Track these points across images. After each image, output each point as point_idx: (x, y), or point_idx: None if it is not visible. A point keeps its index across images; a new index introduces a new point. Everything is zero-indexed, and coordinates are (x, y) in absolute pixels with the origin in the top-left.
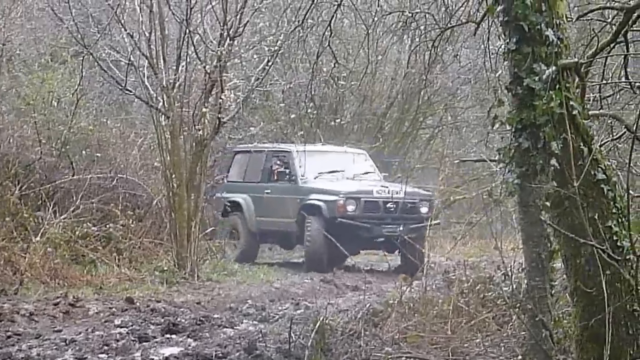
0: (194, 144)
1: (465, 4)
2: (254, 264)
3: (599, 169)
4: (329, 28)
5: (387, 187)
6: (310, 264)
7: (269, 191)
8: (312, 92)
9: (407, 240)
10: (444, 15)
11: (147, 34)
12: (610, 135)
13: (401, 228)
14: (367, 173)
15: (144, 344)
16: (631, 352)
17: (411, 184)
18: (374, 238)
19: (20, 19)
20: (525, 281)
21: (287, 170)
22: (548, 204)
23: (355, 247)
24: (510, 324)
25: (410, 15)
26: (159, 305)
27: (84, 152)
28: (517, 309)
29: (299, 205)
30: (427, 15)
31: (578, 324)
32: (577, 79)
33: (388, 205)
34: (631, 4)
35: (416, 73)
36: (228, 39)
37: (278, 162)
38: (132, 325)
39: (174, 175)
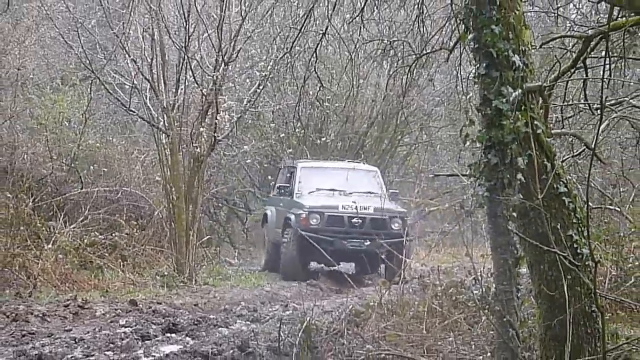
0: (191, 160)
1: (439, 32)
2: (248, 270)
3: (561, 182)
4: (314, 55)
5: (355, 202)
6: (284, 273)
7: (281, 204)
8: (299, 113)
9: (388, 252)
10: (419, 43)
11: (149, 60)
12: (571, 152)
13: (367, 243)
14: (369, 193)
15: (146, 342)
16: (589, 349)
17: (393, 201)
18: (337, 251)
19: (34, 46)
20: (494, 285)
21: (288, 185)
22: (514, 214)
23: (323, 258)
24: (480, 324)
25: (388, 43)
26: (160, 307)
27: (91, 167)
28: (486, 311)
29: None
30: (404, 43)
31: (542, 324)
32: (540, 101)
33: (353, 220)
34: (589, 33)
35: (394, 95)
36: (223, 64)
37: (287, 177)
38: (135, 325)
39: (173, 189)
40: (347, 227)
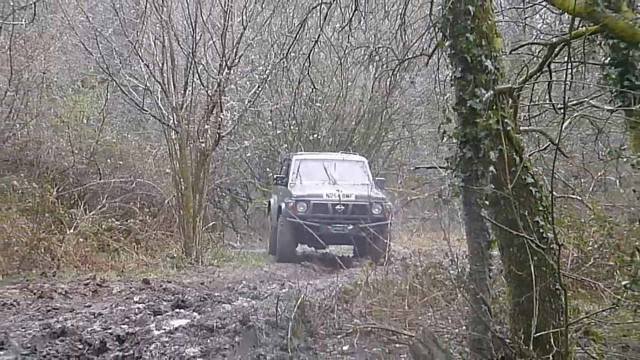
0: (198, 154)
1: (419, 40)
2: (249, 252)
3: (528, 174)
4: (308, 60)
5: (339, 190)
6: (280, 256)
7: (280, 193)
8: (294, 112)
9: (373, 235)
10: (401, 49)
11: (160, 64)
12: (538, 147)
13: (350, 227)
14: (357, 181)
15: (158, 317)
16: (554, 323)
17: (380, 189)
18: (323, 236)
19: (57, 52)
20: (468, 266)
21: (284, 176)
22: (487, 202)
23: (313, 241)
24: (456, 300)
25: (374, 49)
26: (170, 286)
27: (108, 160)
28: (461, 289)
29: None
30: (387, 50)
31: (511, 300)
32: (510, 101)
33: (337, 207)
34: (553, 40)
35: (379, 96)
36: (226, 68)
37: (284, 169)
38: (148, 302)
39: (182, 179)
40: (331, 213)
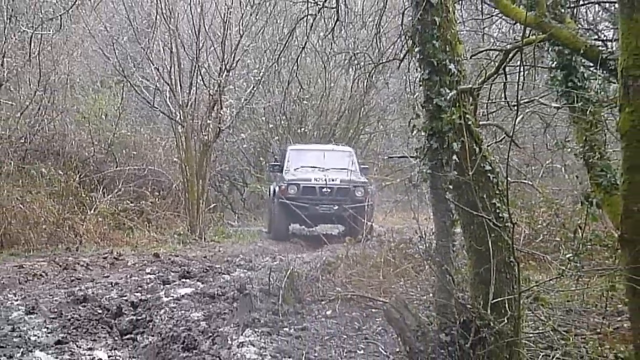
0: (201, 145)
1: (392, 46)
2: (245, 230)
3: (487, 162)
4: (296, 63)
5: (325, 175)
6: (274, 235)
7: (277, 180)
8: (285, 109)
9: (353, 215)
10: (377, 54)
11: (169, 68)
12: (495, 139)
13: (335, 208)
14: (343, 168)
15: (167, 286)
16: (508, 291)
17: (364, 175)
18: (311, 215)
19: (80, 57)
20: (435, 241)
21: (280, 164)
22: (451, 187)
23: (302, 221)
24: (424, 271)
25: (353, 54)
26: (177, 259)
27: (124, 150)
28: (429, 261)
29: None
30: (365, 55)
31: (472, 271)
32: (471, 99)
33: (323, 190)
34: (508, 47)
35: (358, 95)
36: (225, 71)
37: (280, 158)
38: (158, 273)
39: (187, 167)
40: (318, 195)
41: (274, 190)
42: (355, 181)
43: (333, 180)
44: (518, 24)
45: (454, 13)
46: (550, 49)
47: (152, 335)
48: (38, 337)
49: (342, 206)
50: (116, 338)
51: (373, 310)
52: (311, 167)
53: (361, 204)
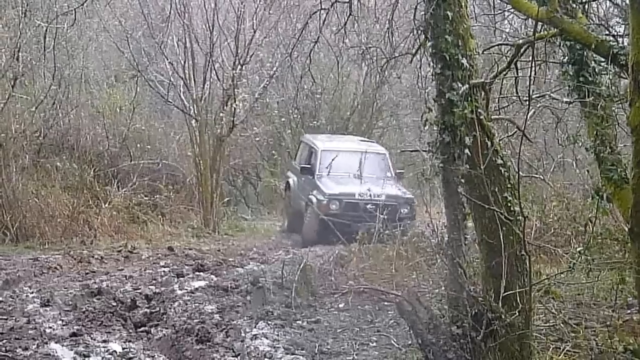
0: (215, 139)
1: (405, 41)
2: (259, 224)
3: (498, 156)
4: (309, 58)
5: (369, 190)
6: (305, 242)
7: (303, 179)
8: (298, 103)
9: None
10: (389, 49)
11: (182, 62)
12: (506, 133)
13: (379, 226)
14: (381, 177)
15: (181, 279)
16: (519, 284)
17: (399, 187)
18: (352, 233)
19: (94, 52)
20: (447, 235)
21: (309, 165)
22: (463, 180)
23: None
24: (436, 265)
25: (366, 49)
26: (191, 252)
27: (138, 144)
28: (441, 255)
29: (307, 195)
30: (377, 49)
31: (483, 264)
32: (483, 94)
33: (368, 206)
34: (520, 42)
35: (370, 90)
36: (239, 65)
37: (307, 155)
38: (172, 266)
39: (201, 161)
40: (361, 212)
41: (309, 199)
42: (402, 197)
43: (379, 195)
44: (530, 19)
45: (466, 8)
46: (561, 44)
47: (166, 328)
48: (53, 329)
49: (386, 225)
50: (130, 330)
51: (385, 303)
52: (344, 171)
53: (405, 221)
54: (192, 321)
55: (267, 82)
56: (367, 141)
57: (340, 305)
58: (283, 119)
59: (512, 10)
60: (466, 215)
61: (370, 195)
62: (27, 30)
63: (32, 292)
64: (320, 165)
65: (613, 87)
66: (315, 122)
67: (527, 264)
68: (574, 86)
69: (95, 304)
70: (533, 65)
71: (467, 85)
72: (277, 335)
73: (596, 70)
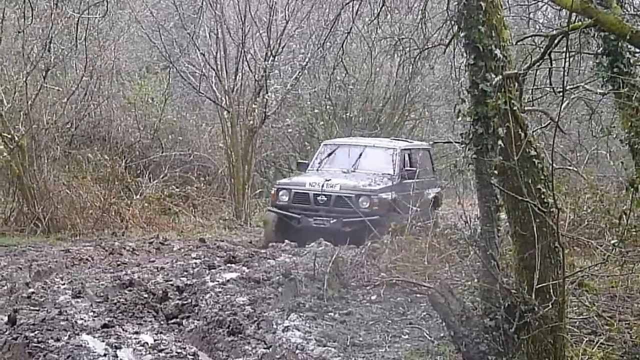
0: (246, 130)
1: (438, 31)
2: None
3: (532, 148)
4: (341, 49)
5: (329, 180)
6: (266, 240)
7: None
8: (330, 94)
9: (356, 231)
10: (422, 40)
11: (214, 54)
12: (540, 125)
13: (332, 221)
14: (377, 171)
15: (212, 270)
16: (553, 276)
17: (410, 179)
18: (302, 230)
19: (126, 43)
20: (480, 227)
21: (306, 162)
22: (496, 172)
23: (295, 237)
24: (469, 257)
25: (398, 40)
26: (223, 244)
27: (169, 136)
28: (474, 247)
29: None
30: (410, 40)
31: (516, 257)
32: (516, 85)
33: (318, 197)
34: (553, 33)
35: (403, 81)
36: (271, 56)
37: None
38: (203, 258)
39: (232, 153)
40: (312, 204)
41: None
42: (360, 188)
43: (332, 186)
44: (564, 9)
45: None
46: (596, 34)
47: (198, 320)
48: (85, 320)
49: (341, 220)
50: (162, 322)
51: (417, 295)
52: (340, 166)
53: (369, 217)
54: (224, 313)
55: (299, 73)
56: (403, 140)
57: (372, 298)
58: (315, 111)
59: (545, 0)
60: (499, 207)
61: (321, 186)
62: (58, 21)
63: (64, 284)
64: (315, 160)
65: None
66: (347, 114)
67: (561, 257)
68: (608, 77)
69: (127, 296)
70: (567, 56)
71: (500, 77)
72: (309, 327)
73: (631, 61)
